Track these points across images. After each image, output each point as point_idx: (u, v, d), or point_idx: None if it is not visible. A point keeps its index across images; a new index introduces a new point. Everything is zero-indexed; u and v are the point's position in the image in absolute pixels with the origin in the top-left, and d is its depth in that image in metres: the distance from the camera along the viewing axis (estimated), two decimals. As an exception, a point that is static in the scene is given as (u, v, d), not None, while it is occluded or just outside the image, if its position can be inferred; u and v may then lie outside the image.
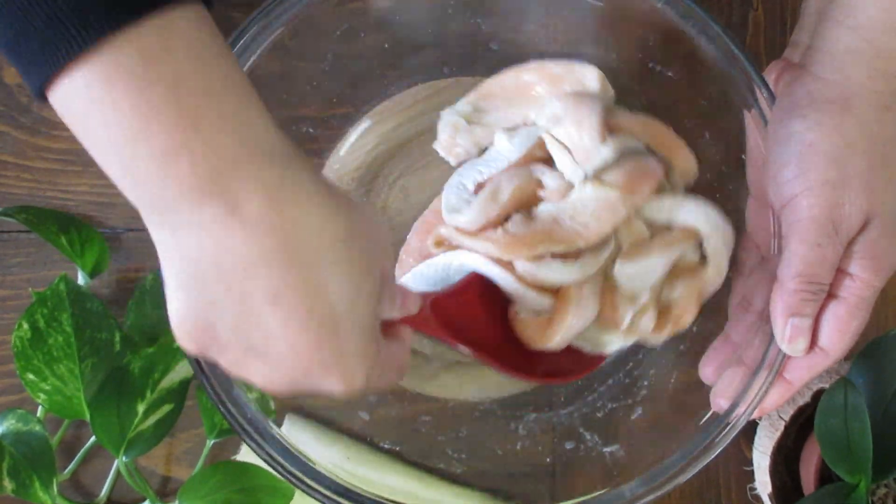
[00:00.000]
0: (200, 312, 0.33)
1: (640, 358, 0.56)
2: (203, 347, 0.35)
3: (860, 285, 0.42)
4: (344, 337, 0.35)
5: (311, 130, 0.57)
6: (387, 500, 0.48)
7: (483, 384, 0.57)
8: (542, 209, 0.48)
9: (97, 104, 0.29)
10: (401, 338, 0.41)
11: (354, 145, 0.58)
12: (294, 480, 0.47)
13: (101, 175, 0.58)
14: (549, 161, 0.50)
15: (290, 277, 0.32)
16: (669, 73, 0.52)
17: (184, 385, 0.55)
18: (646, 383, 0.55)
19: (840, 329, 0.43)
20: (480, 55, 0.57)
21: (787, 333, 0.43)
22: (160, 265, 0.34)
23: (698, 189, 0.54)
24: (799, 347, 0.43)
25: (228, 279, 0.32)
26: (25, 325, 0.53)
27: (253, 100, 0.32)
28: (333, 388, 0.36)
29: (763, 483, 0.55)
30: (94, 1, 0.28)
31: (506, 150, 0.51)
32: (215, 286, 0.32)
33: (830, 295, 0.43)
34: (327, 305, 0.34)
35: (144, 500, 0.56)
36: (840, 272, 0.42)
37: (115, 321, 0.55)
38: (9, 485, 0.51)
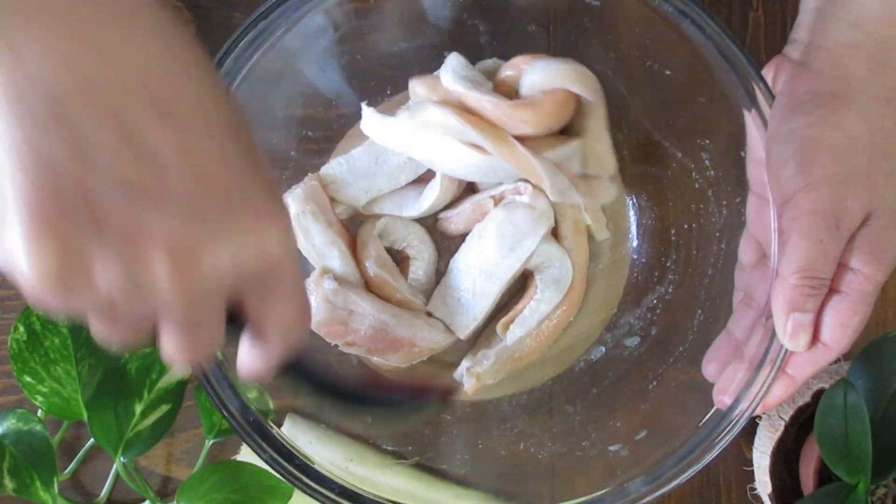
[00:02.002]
0: (63, 170, 0.24)
1: (640, 357, 0.56)
2: (64, 240, 0.25)
3: (862, 280, 0.42)
4: (245, 145, 0.28)
5: (310, 131, 0.57)
6: (388, 500, 0.48)
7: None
8: None
9: None
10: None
11: (355, 145, 0.58)
12: (294, 481, 0.47)
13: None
14: None
15: (177, 81, 0.26)
16: (669, 73, 0.52)
17: (181, 385, 0.55)
18: (646, 383, 0.55)
19: (842, 324, 0.43)
20: (480, 55, 0.57)
21: (789, 329, 0.43)
22: None
23: (700, 187, 0.54)
24: (801, 343, 0.43)
25: (100, 104, 0.25)
26: (21, 328, 0.53)
27: None
28: (262, 220, 0.28)
29: (763, 483, 0.55)
30: None
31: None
32: (84, 118, 0.25)
33: (832, 290, 0.43)
34: (225, 112, 0.27)
35: (144, 499, 0.56)
36: (841, 267, 0.42)
37: (114, 321, 0.55)
38: (10, 484, 0.51)
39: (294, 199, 0.53)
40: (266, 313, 0.31)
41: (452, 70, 0.52)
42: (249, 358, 0.33)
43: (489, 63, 0.55)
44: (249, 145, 0.29)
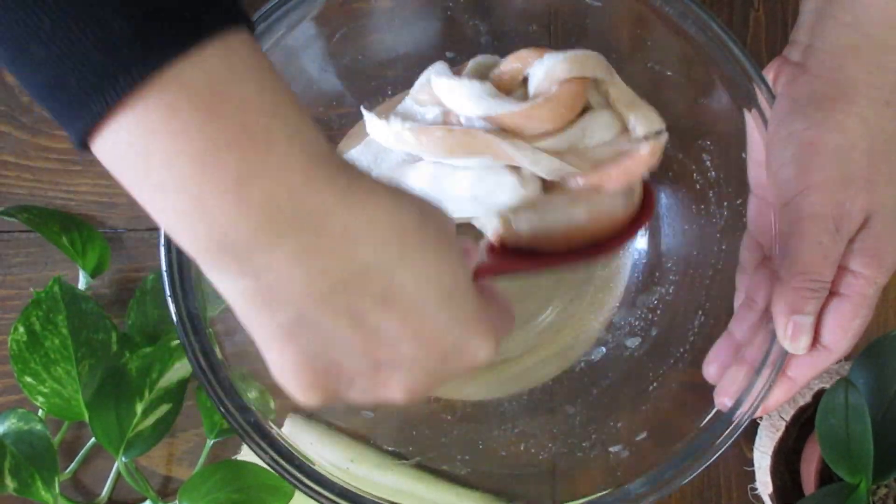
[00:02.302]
0: (317, 355, 0.31)
1: (641, 358, 0.56)
2: (330, 392, 0.33)
3: (862, 282, 0.42)
4: (460, 305, 0.33)
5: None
6: (388, 501, 0.48)
7: (483, 384, 0.57)
8: None
9: (160, 136, 0.26)
10: (486, 291, 0.38)
11: (355, 145, 0.58)
12: (294, 481, 0.47)
13: (102, 175, 0.59)
14: None
15: (391, 275, 0.31)
16: (669, 73, 0.52)
17: (182, 385, 0.55)
18: (647, 384, 0.55)
19: (842, 326, 0.43)
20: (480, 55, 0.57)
21: (789, 331, 0.43)
22: (241, 318, 0.31)
23: (700, 188, 0.54)
24: (801, 345, 0.43)
25: (334, 304, 0.30)
26: (21, 329, 0.53)
27: (307, 114, 0.30)
28: (477, 352, 0.34)
29: (764, 483, 0.55)
30: (154, 24, 0.26)
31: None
32: (323, 318, 0.30)
33: (832, 292, 0.43)
34: (434, 284, 0.32)
35: (145, 499, 0.56)
36: (842, 269, 0.42)
37: (112, 322, 0.55)
38: (11, 484, 0.51)
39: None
40: None
41: (464, 94, 0.47)
42: None
43: (483, 60, 0.53)
44: (461, 304, 0.34)
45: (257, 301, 0.30)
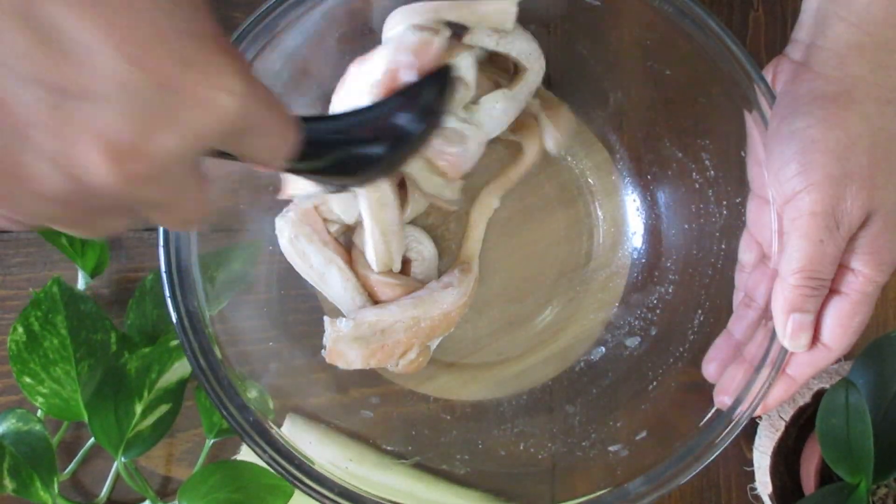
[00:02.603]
0: None
1: (640, 357, 0.56)
2: None
3: (862, 281, 0.42)
4: (185, 13, 0.25)
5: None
6: (388, 500, 0.48)
7: (483, 384, 0.57)
8: None
9: None
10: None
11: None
12: (294, 481, 0.47)
13: (101, 175, 0.58)
14: None
15: None
16: (669, 73, 0.52)
17: (181, 385, 0.55)
18: (646, 383, 0.55)
19: (842, 325, 0.43)
20: (480, 55, 0.57)
21: (789, 329, 0.43)
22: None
23: (700, 187, 0.54)
24: (801, 343, 0.43)
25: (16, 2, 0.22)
26: (20, 329, 0.53)
27: None
28: (219, 85, 0.25)
29: (763, 483, 0.55)
30: None
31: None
32: None
33: (832, 291, 0.43)
34: None
35: (144, 500, 0.56)
36: (842, 268, 0.42)
37: (111, 322, 0.54)
38: (9, 484, 0.51)
39: (286, 224, 0.53)
40: (252, 152, 0.30)
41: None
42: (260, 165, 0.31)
43: None
44: (191, 14, 0.26)
45: None
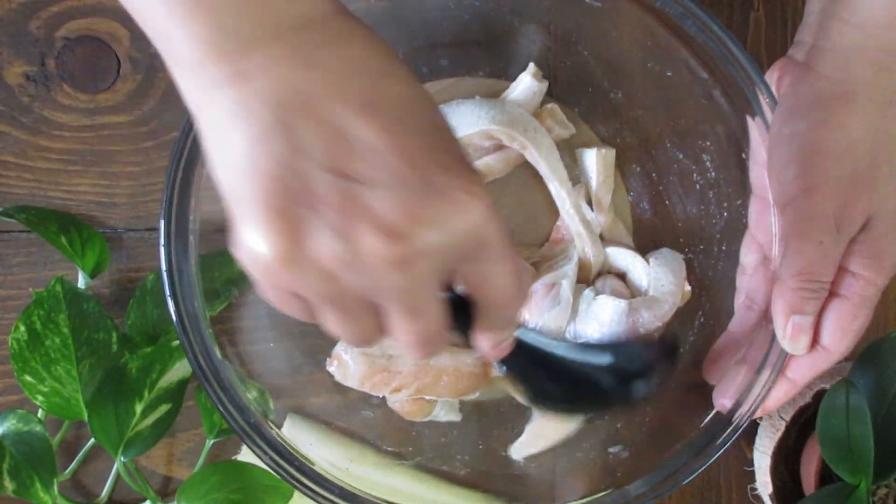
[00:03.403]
0: (284, 162, 0.29)
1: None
2: (294, 223, 0.29)
3: (862, 283, 0.42)
4: (448, 137, 0.31)
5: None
6: (388, 501, 0.48)
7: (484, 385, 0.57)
8: None
9: None
10: None
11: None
12: (294, 482, 0.47)
13: (102, 175, 0.59)
14: None
15: (378, 86, 0.30)
16: (669, 73, 0.52)
17: (182, 385, 0.55)
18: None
19: (842, 327, 0.43)
20: (481, 56, 0.57)
21: (789, 331, 0.43)
22: (212, 152, 0.30)
23: (701, 189, 0.54)
24: (800, 346, 0.43)
25: (313, 108, 0.29)
26: (22, 328, 0.53)
27: None
28: (468, 194, 0.30)
29: (764, 483, 0.55)
30: None
31: None
32: (299, 122, 0.29)
33: (832, 293, 0.43)
34: (422, 102, 0.31)
35: (145, 500, 0.56)
36: (842, 270, 0.42)
37: (113, 322, 0.55)
38: (9, 485, 0.51)
39: None
40: (483, 281, 0.33)
41: None
42: (480, 334, 0.36)
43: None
44: (450, 137, 0.32)
45: (236, 109, 0.29)
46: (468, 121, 0.53)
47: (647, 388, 0.43)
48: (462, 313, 0.34)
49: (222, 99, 0.29)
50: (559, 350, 0.42)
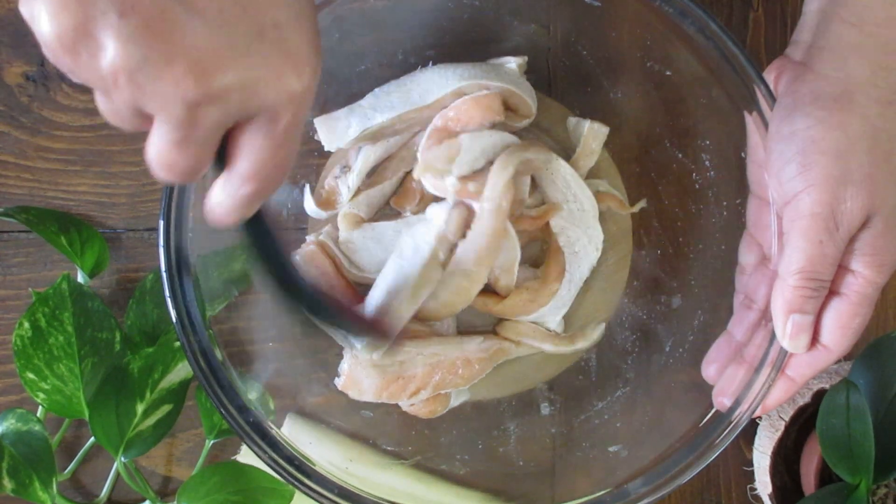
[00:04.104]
0: None
1: (640, 358, 0.56)
2: (91, 6, 0.27)
3: (862, 282, 0.42)
4: (304, 7, 0.29)
5: (310, 132, 0.57)
6: (387, 501, 0.48)
7: (483, 384, 0.57)
8: None
9: None
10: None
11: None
12: (293, 481, 0.47)
13: (101, 175, 0.59)
14: None
15: None
16: (669, 73, 0.52)
17: (183, 385, 0.55)
18: (646, 384, 0.55)
19: (842, 326, 0.43)
20: (480, 56, 0.57)
21: (788, 330, 0.43)
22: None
23: (701, 188, 0.54)
24: (800, 344, 0.43)
25: None
26: (26, 324, 0.53)
27: None
28: (296, 58, 0.29)
29: (763, 483, 0.55)
30: None
31: None
32: None
33: (832, 292, 0.43)
34: None
35: (144, 500, 0.56)
36: (842, 269, 0.42)
37: (116, 321, 0.55)
38: (8, 484, 0.51)
39: (299, 262, 0.54)
40: (253, 146, 0.31)
41: None
42: (221, 191, 0.33)
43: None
44: (307, 9, 0.30)
45: None
46: (437, 84, 0.53)
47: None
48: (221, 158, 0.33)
49: None
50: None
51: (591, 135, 0.55)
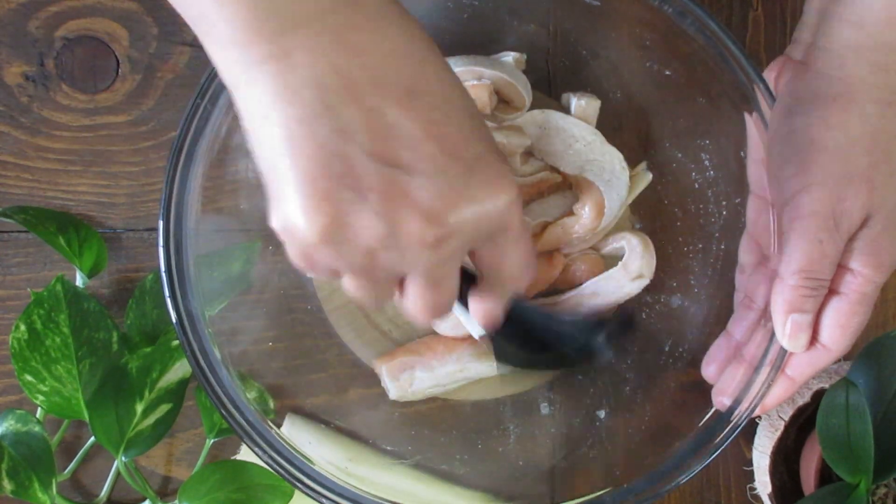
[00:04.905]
0: (329, 146, 0.30)
1: (640, 357, 0.56)
2: (341, 207, 0.31)
3: (861, 281, 0.42)
4: (485, 127, 0.33)
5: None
6: (387, 500, 0.48)
7: (483, 384, 0.57)
8: None
9: None
10: None
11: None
12: (293, 481, 0.47)
13: (101, 175, 0.59)
14: None
15: (419, 74, 0.31)
16: (668, 73, 0.52)
17: (182, 385, 0.55)
18: (646, 383, 0.55)
19: (841, 325, 0.43)
20: (480, 56, 0.57)
21: (788, 329, 0.43)
22: (250, 129, 0.31)
23: (701, 188, 0.54)
24: (800, 343, 0.43)
25: (356, 91, 0.30)
26: (23, 327, 0.53)
27: None
28: (501, 181, 0.33)
29: (763, 483, 0.55)
30: None
31: None
32: (344, 105, 0.30)
33: (831, 291, 0.43)
34: (461, 93, 0.32)
35: (144, 499, 0.56)
36: (841, 268, 0.42)
37: (113, 321, 0.55)
38: (8, 485, 0.51)
39: None
40: (499, 259, 0.36)
41: None
42: (483, 304, 0.39)
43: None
44: (484, 128, 0.34)
45: (277, 88, 0.30)
46: None
47: (602, 355, 0.48)
48: (463, 283, 0.37)
49: (263, 77, 0.30)
50: (528, 313, 0.47)
51: (582, 109, 0.55)
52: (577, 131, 0.55)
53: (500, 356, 0.50)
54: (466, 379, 0.55)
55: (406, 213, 0.31)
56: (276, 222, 0.32)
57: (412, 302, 0.35)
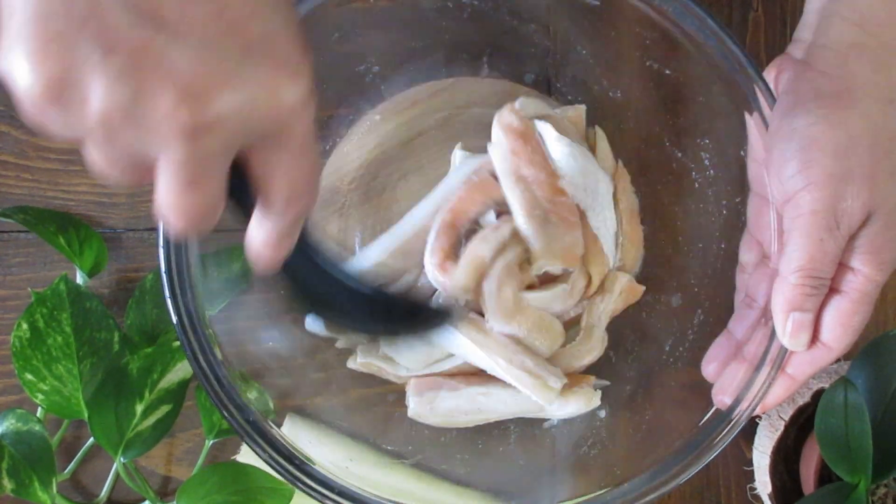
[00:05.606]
0: None
1: (640, 357, 0.56)
2: (73, 45, 0.25)
3: (862, 280, 0.42)
4: (282, 11, 0.28)
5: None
6: (388, 500, 0.48)
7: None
8: None
9: None
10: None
11: (354, 145, 0.58)
12: (294, 481, 0.47)
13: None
14: None
15: None
16: (669, 73, 0.52)
17: (182, 385, 0.55)
18: (646, 383, 0.55)
19: (842, 323, 0.43)
20: (480, 56, 0.57)
21: (789, 328, 0.43)
22: None
23: (701, 187, 0.54)
24: (800, 342, 0.43)
25: None
26: (24, 325, 0.53)
27: None
28: (287, 69, 0.27)
29: (763, 483, 0.55)
30: None
31: None
32: None
33: (832, 290, 0.43)
34: None
35: (144, 500, 0.56)
36: (842, 267, 0.42)
37: (115, 321, 0.55)
38: (8, 484, 0.51)
39: None
40: (273, 171, 0.30)
41: None
42: (260, 227, 0.32)
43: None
44: (287, 7, 0.28)
45: None
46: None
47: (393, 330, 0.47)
48: (243, 194, 0.31)
49: None
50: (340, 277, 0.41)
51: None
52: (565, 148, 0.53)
53: (299, 301, 0.43)
54: (486, 407, 0.54)
55: (156, 84, 0.26)
56: (4, 71, 0.26)
57: (161, 197, 0.29)
